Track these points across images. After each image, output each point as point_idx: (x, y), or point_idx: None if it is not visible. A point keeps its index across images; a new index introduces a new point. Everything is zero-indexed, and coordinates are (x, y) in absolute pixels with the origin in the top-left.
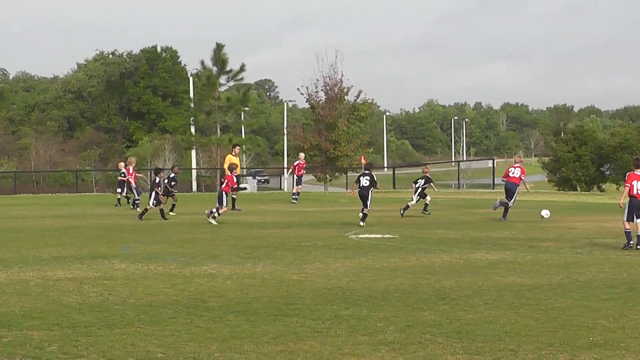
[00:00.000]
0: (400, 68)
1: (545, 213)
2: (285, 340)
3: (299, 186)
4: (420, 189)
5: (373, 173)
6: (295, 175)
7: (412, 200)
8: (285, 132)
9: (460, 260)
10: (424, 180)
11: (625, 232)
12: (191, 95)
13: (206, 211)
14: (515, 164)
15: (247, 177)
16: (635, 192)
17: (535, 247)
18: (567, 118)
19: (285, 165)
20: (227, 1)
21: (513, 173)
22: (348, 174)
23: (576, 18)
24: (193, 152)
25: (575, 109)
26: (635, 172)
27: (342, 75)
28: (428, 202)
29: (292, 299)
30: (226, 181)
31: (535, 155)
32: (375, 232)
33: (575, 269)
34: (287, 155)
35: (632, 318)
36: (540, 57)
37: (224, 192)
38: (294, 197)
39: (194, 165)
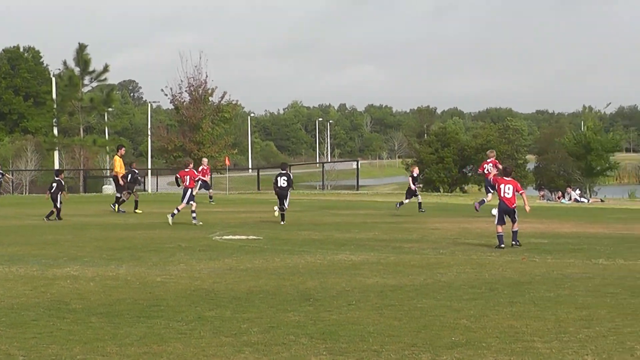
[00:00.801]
0: (265, 69)
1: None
2: (149, 342)
3: (211, 190)
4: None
5: (290, 173)
6: (200, 181)
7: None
8: (149, 133)
9: (324, 262)
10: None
11: (497, 235)
12: (54, 95)
13: (170, 215)
14: (488, 159)
15: (110, 179)
16: (502, 195)
17: (399, 248)
18: (430, 120)
19: (150, 167)
20: (90, 1)
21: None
22: (212, 176)
23: (440, 21)
24: (56, 154)
25: (439, 111)
26: (505, 179)
27: (207, 76)
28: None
29: (156, 300)
30: (188, 177)
31: (398, 157)
32: (239, 234)
33: (437, 270)
34: (151, 157)
35: (493, 318)
36: (405, 59)
37: (188, 189)
38: (210, 200)
39: (56, 166)
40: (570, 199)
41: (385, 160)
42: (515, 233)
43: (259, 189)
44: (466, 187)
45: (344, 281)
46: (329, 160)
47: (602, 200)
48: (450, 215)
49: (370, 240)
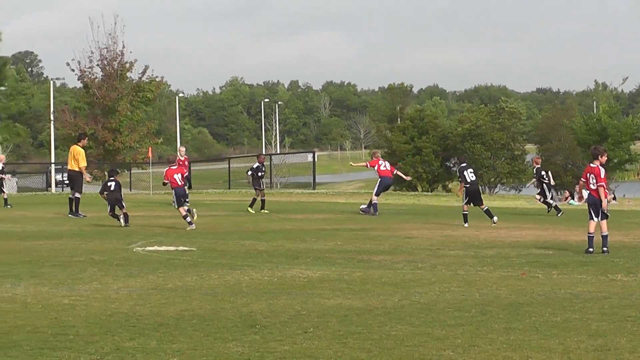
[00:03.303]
0: (197, 39)
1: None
2: None
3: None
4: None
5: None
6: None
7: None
8: (51, 118)
9: (273, 279)
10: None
11: (588, 236)
12: None
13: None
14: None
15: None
16: (590, 185)
17: (366, 262)
18: (405, 101)
19: (53, 160)
20: None
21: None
22: (132, 171)
23: None
24: None
25: (415, 90)
26: (591, 165)
27: (124, 47)
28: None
29: (63, 328)
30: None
31: (365, 147)
32: (166, 244)
33: (415, 289)
34: (55, 147)
35: (485, 348)
36: (373, 24)
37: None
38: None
39: None
40: (580, 199)
41: (349, 152)
42: (605, 238)
43: (190, 187)
44: (450, 185)
45: (297, 303)
46: (278, 152)
47: (615, 199)
48: (431, 219)
49: (331, 252)
